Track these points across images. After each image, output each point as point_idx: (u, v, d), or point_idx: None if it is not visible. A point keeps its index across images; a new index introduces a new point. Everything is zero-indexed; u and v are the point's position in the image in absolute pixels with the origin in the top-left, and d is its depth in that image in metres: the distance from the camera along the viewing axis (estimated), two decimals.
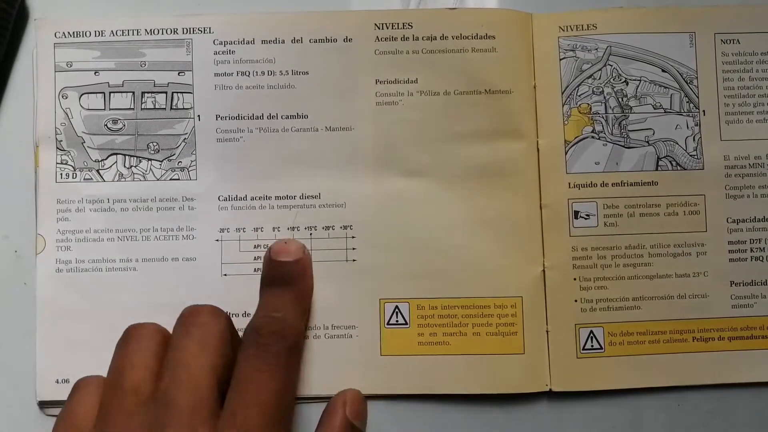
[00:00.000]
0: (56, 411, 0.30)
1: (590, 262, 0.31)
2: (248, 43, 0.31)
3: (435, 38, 0.31)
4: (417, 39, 0.31)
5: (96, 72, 0.31)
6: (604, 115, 0.31)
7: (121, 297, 0.30)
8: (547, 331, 0.30)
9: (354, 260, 0.31)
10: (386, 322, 0.30)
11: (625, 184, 0.31)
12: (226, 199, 0.31)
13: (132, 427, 0.24)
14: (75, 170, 0.31)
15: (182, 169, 0.31)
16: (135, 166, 0.31)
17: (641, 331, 0.30)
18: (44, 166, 0.31)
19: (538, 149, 0.31)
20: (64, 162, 0.31)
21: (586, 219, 0.31)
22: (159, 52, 0.31)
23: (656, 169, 0.31)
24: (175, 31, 0.31)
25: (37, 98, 0.31)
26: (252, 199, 0.31)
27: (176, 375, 0.24)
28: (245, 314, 0.30)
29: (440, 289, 0.30)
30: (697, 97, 0.31)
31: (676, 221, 0.31)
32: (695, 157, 0.31)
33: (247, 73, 0.31)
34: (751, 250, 0.31)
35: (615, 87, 0.31)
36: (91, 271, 0.30)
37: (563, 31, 0.31)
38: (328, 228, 0.31)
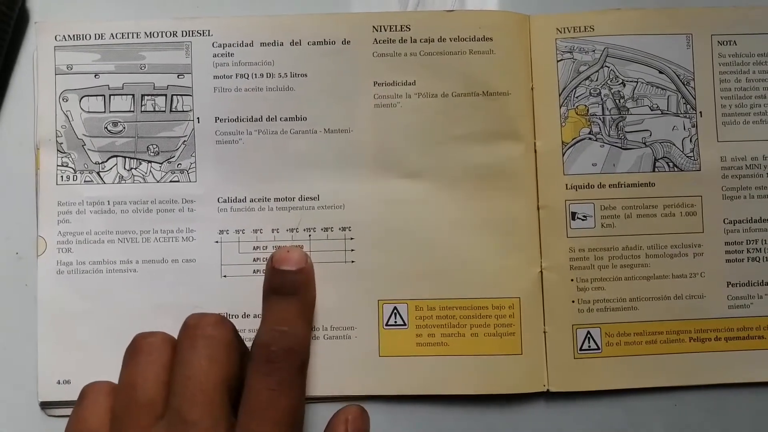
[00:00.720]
0: (58, 411, 0.30)
1: (587, 263, 0.31)
2: (247, 45, 0.31)
3: (433, 40, 0.31)
4: (415, 41, 0.31)
5: (96, 75, 0.31)
6: (601, 117, 0.31)
7: (122, 298, 0.30)
8: (544, 332, 0.31)
9: (352, 261, 0.31)
10: (385, 322, 0.30)
11: (623, 186, 0.31)
12: (225, 201, 0.31)
13: None
14: (75, 172, 0.31)
15: (182, 171, 0.31)
16: (135, 169, 0.31)
17: (638, 331, 0.30)
18: (45, 169, 0.31)
19: (535, 151, 0.31)
20: (65, 164, 0.31)
21: (583, 220, 0.31)
22: (158, 54, 0.31)
23: (653, 171, 0.31)
24: (174, 34, 0.31)
25: (38, 101, 0.31)
26: (251, 200, 0.31)
27: (188, 392, 0.24)
28: (245, 315, 0.30)
29: (438, 290, 0.31)
30: (694, 99, 0.31)
31: (673, 222, 0.31)
32: (692, 158, 0.31)
33: (246, 76, 0.31)
34: (748, 251, 0.31)
35: (612, 88, 0.31)
36: (92, 273, 0.31)
37: (560, 32, 0.32)
38: (326, 229, 0.31)
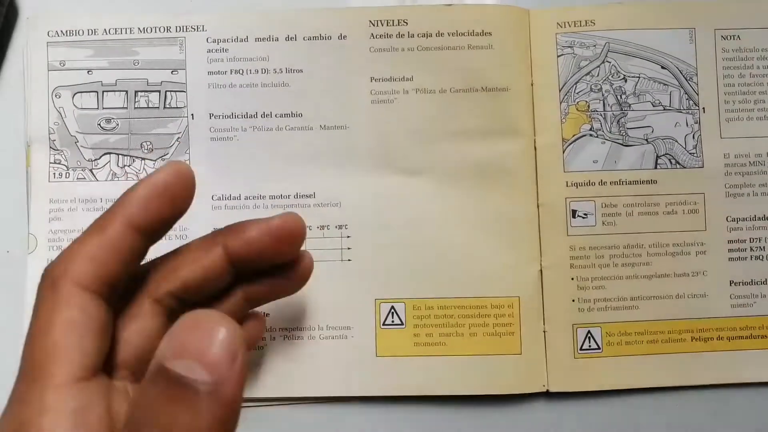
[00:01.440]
0: None
1: (588, 262, 0.30)
2: (242, 41, 0.31)
3: (430, 35, 0.31)
4: (412, 36, 0.31)
5: (89, 71, 0.31)
6: (602, 113, 0.31)
7: None
8: (544, 331, 0.30)
9: (349, 260, 0.30)
10: (382, 322, 0.30)
11: (624, 183, 0.31)
12: (219, 199, 0.31)
13: None
14: (68, 170, 0.31)
15: None
16: (128, 166, 0.31)
17: (639, 331, 0.30)
18: (37, 166, 0.30)
19: (535, 147, 0.31)
20: (57, 161, 0.31)
21: (584, 218, 0.30)
22: (152, 50, 0.31)
23: (655, 168, 0.31)
24: (168, 30, 0.31)
25: (30, 98, 0.31)
26: (246, 198, 0.31)
27: None
28: None
29: (436, 289, 0.30)
30: (697, 94, 0.31)
31: (676, 220, 0.30)
32: (695, 155, 0.31)
33: (241, 72, 0.31)
34: (751, 249, 0.31)
35: (614, 84, 0.31)
36: None
37: (561, 27, 0.31)
38: (322, 227, 0.30)
